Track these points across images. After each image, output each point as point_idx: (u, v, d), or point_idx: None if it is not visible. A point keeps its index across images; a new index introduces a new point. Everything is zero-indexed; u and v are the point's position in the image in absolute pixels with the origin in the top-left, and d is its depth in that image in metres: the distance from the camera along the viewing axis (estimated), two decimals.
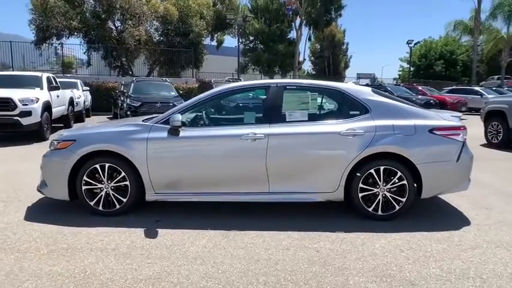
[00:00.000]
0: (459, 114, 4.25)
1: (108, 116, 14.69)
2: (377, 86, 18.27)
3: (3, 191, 4.56)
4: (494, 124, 8.54)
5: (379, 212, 3.61)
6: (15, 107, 7.87)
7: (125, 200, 3.67)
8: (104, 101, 16.56)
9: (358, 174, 3.56)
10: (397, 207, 3.60)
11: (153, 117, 4.00)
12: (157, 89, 12.40)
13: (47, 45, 19.84)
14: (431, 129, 3.61)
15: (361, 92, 3.84)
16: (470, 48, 35.67)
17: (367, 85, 10.76)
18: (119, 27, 20.84)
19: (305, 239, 3.21)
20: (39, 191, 3.88)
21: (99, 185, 3.67)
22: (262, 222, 3.58)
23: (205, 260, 2.84)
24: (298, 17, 33.02)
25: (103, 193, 3.67)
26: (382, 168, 3.55)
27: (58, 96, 9.85)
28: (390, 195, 3.59)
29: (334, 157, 3.59)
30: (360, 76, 38.85)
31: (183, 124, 3.64)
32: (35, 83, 9.11)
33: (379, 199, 3.59)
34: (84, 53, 21.07)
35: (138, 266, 2.73)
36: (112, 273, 2.62)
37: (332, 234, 3.32)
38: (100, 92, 16.90)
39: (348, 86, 4.07)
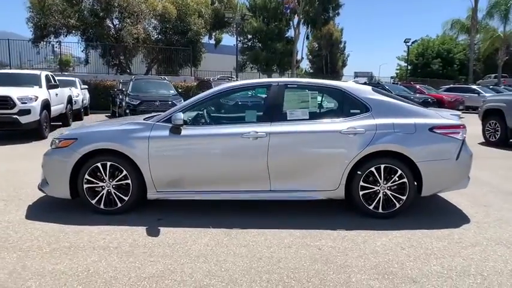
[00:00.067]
0: (458, 112, 4.28)
1: (107, 114, 14.65)
2: (375, 84, 18.31)
3: (3, 189, 4.55)
4: (492, 122, 8.59)
5: (380, 210, 3.64)
6: (14, 105, 7.84)
7: (126, 198, 3.68)
8: (102, 99, 16.54)
9: (359, 172, 3.58)
10: (398, 205, 3.63)
11: (154, 116, 4.00)
12: (156, 87, 12.37)
13: (44, 43, 19.75)
14: (432, 128, 3.63)
15: (361, 91, 3.86)
16: (467, 47, 35.81)
17: (365, 84, 10.79)
18: (117, 26, 20.78)
19: (307, 237, 3.23)
20: (40, 189, 3.87)
21: (101, 184, 3.67)
22: (263, 220, 3.60)
23: (208, 258, 2.85)
24: (296, 16, 33.02)
25: (104, 191, 3.67)
26: (382, 166, 3.57)
27: (57, 94, 9.81)
28: (391, 193, 3.62)
29: (335, 155, 3.61)
30: (357, 75, 38.93)
31: (185, 123, 3.65)
32: (33, 81, 9.07)
33: (380, 197, 3.62)
34: (82, 51, 21.05)
35: (141, 264, 2.73)
36: (115, 272, 2.63)
37: (333, 232, 3.34)
38: (98, 90, 16.86)
39: (348, 84, 4.08)
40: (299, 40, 34.72)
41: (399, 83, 26.16)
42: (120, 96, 12.28)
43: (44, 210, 3.85)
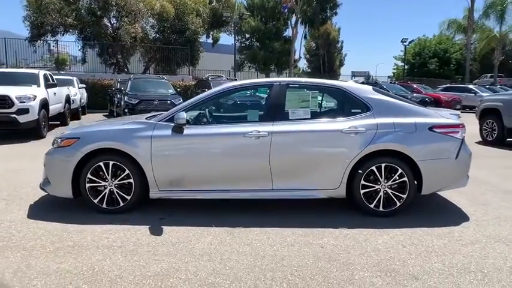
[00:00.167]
0: (458, 112, 4.33)
1: (104, 114, 14.61)
2: (373, 84, 18.36)
3: (3, 189, 4.54)
4: (489, 122, 8.67)
5: (381, 209, 3.67)
6: (12, 104, 7.81)
7: (128, 197, 3.69)
8: (100, 99, 16.50)
9: (360, 171, 3.62)
10: (398, 204, 3.67)
11: (156, 115, 4.01)
12: (154, 86, 12.35)
13: (41, 42, 19.64)
14: (431, 127, 3.68)
15: (362, 91, 3.89)
16: (464, 47, 36.01)
17: (363, 83, 10.84)
18: (115, 24, 20.70)
19: (309, 235, 3.26)
20: (42, 188, 3.88)
21: (103, 183, 3.68)
22: (265, 219, 3.63)
23: (212, 256, 2.87)
24: (294, 15, 33.01)
25: (107, 191, 3.68)
26: (383, 165, 3.61)
27: (55, 93, 9.78)
28: (391, 192, 3.66)
29: (337, 154, 3.64)
30: (354, 74, 38.99)
31: (187, 122, 3.66)
32: (32, 80, 9.04)
33: (381, 196, 3.66)
34: (80, 50, 20.93)
35: (145, 263, 2.75)
36: (120, 270, 2.64)
37: (335, 230, 3.37)
38: (96, 90, 16.81)
39: (349, 84, 4.11)
40: (297, 39, 34.68)
41: (396, 82, 26.28)
42: (118, 96, 12.25)
43: (46, 209, 3.85)
